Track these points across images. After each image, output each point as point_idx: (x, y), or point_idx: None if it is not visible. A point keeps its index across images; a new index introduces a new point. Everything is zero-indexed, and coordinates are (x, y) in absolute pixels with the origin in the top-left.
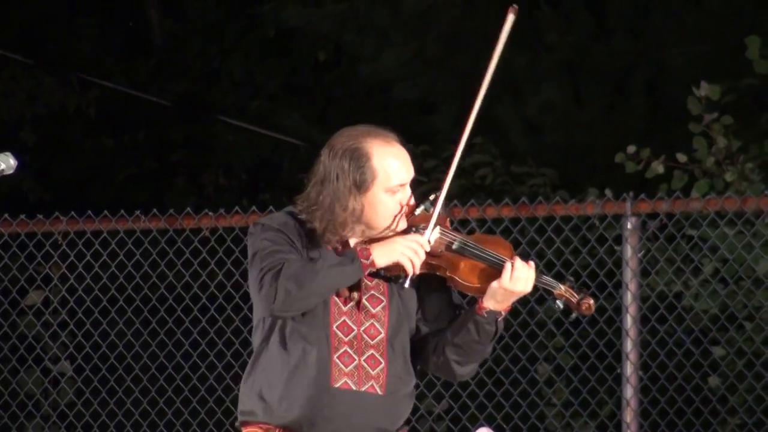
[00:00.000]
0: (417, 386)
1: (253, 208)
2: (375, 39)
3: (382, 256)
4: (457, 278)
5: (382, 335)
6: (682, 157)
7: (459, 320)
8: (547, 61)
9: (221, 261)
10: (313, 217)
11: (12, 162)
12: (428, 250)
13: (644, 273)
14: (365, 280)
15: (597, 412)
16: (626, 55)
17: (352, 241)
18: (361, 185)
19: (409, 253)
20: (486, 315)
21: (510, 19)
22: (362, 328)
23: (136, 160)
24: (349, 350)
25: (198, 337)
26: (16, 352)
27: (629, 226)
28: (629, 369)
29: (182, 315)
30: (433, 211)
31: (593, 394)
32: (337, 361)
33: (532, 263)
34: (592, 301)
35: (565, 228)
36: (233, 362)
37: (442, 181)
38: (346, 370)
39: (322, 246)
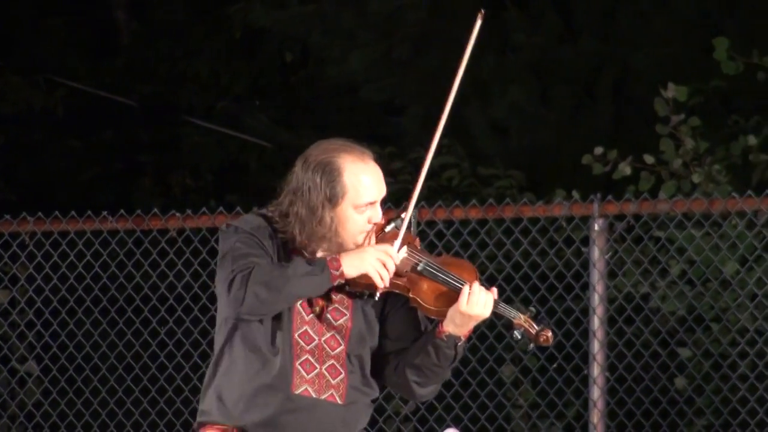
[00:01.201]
0: (376, 399)
1: (221, 209)
2: (342, 40)
3: (351, 266)
4: (418, 299)
5: (342, 347)
6: (649, 159)
7: (420, 342)
8: (514, 63)
9: (188, 262)
10: (290, 228)
11: None
12: (398, 262)
13: (611, 274)
14: (331, 293)
15: (564, 414)
16: (593, 57)
17: (319, 255)
18: (331, 200)
19: (377, 265)
20: (445, 339)
21: (477, 24)
22: (323, 339)
23: (103, 160)
24: (310, 358)
25: (165, 338)
26: None
27: (596, 227)
28: (596, 370)
29: (149, 315)
30: (401, 227)
31: (560, 395)
32: (299, 367)
33: (494, 289)
34: (550, 333)
35: (533, 229)
36: (200, 363)
37: (409, 196)
38: (308, 377)
39: (292, 255)
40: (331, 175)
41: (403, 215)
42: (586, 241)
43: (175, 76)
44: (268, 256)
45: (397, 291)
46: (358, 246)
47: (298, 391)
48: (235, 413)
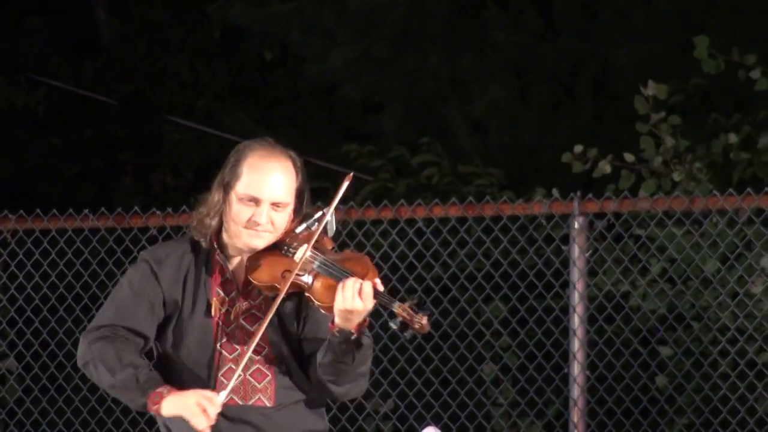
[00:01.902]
0: (317, 399)
1: None
2: (321, 39)
3: (170, 407)
4: (312, 297)
5: (266, 350)
6: (629, 157)
7: (325, 341)
8: (494, 61)
9: None
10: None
11: None
12: (219, 411)
13: (592, 273)
14: (240, 302)
15: (544, 412)
16: (573, 55)
17: (234, 256)
18: (225, 182)
19: (196, 411)
20: (338, 334)
21: (345, 185)
22: (245, 346)
23: (84, 158)
24: (233, 366)
25: None
26: None
27: (577, 225)
28: (576, 369)
29: None
30: (314, 230)
31: (540, 393)
32: (222, 378)
33: (376, 281)
34: (425, 321)
35: (513, 228)
36: None
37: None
38: (231, 386)
39: (214, 264)
40: (234, 158)
41: (318, 215)
42: (566, 239)
43: (156, 74)
44: (149, 307)
45: (297, 290)
46: (241, 240)
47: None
48: None
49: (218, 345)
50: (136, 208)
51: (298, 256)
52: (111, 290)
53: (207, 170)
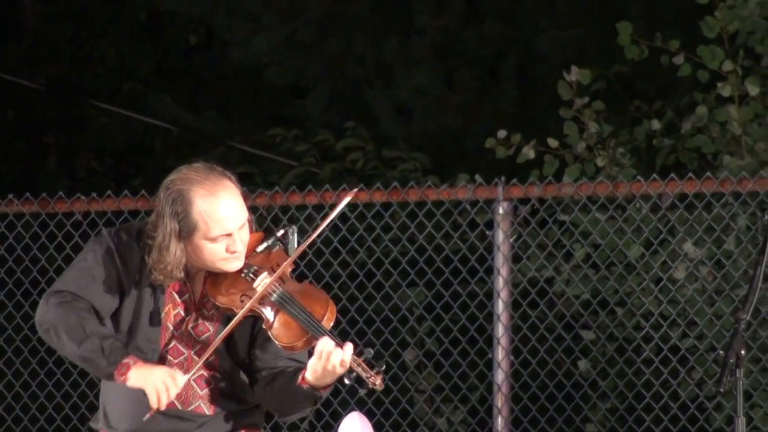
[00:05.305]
0: (256, 407)
1: (126, 192)
2: (246, 22)
3: (135, 379)
4: (269, 331)
5: (212, 358)
6: (553, 142)
7: (284, 380)
8: (419, 46)
9: None
10: (150, 250)
11: None
12: (179, 390)
13: (516, 258)
14: (193, 311)
15: (468, 397)
16: (497, 40)
17: (200, 276)
18: (182, 233)
19: (159, 387)
20: (306, 388)
21: (347, 199)
22: (193, 351)
23: (7, 140)
24: (179, 371)
25: None
26: None
27: (501, 211)
28: (500, 354)
29: None
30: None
31: (464, 379)
32: None
33: (349, 344)
34: (379, 381)
35: (437, 213)
36: None
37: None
38: (192, 374)
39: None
40: (181, 206)
41: (279, 233)
42: (490, 224)
43: (81, 58)
44: (108, 286)
45: (253, 315)
46: (221, 270)
47: None
48: (113, 423)
49: (164, 350)
50: (60, 193)
51: (257, 284)
52: (73, 262)
53: (132, 154)
